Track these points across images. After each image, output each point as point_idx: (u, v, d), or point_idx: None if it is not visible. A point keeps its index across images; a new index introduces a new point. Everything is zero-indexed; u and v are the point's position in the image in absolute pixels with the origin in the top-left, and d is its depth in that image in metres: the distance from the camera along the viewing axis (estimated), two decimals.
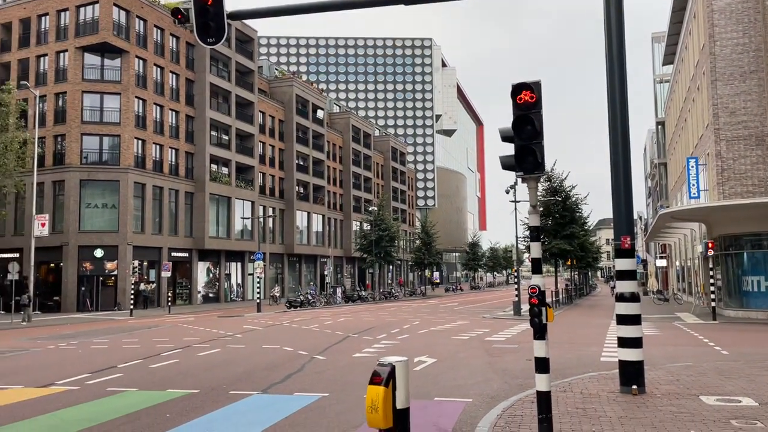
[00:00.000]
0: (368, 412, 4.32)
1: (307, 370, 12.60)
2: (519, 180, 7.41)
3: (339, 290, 51.17)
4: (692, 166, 30.34)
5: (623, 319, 9.39)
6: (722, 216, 26.01)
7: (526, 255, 43.06)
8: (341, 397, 9.71)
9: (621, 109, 9.42)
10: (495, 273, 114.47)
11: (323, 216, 65.97)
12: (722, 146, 26.41)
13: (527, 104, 6.54)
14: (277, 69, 68.51)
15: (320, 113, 66.59)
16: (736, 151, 26.24)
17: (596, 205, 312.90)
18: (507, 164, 6.88)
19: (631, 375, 9.19)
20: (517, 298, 30.87)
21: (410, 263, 77.63)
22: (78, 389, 10.74)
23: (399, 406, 4.41)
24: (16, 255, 39.59)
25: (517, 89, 6.61)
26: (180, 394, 10.12)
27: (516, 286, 33.55)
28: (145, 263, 42.97)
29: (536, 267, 6.86)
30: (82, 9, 41.11)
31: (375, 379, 4.38)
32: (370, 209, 61.04)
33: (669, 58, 45.99)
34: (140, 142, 42.51)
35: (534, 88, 6.54)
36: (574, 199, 41.34)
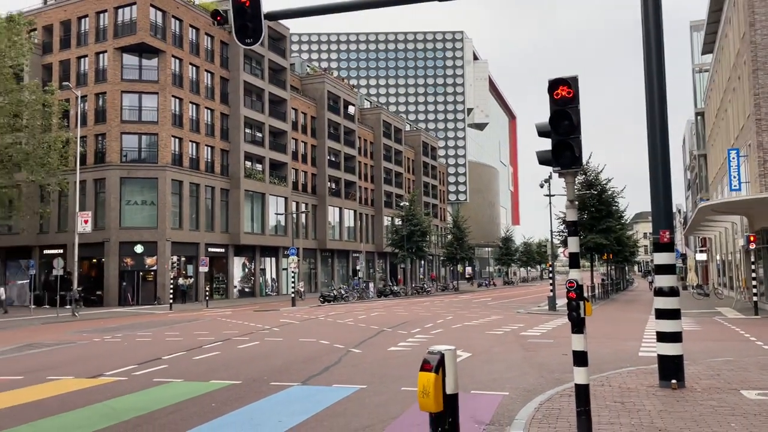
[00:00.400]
0: (420, 397, 4.52)
1: (344, 362, 12.83)
2: (554, 174, 7.44)
3: (371, 285, 51.43)
4: (733, 158, 29.64)
5: (662, 314, 9.33)
6: (764, 209, 25.36)
7: (560, 249, 42.66)
8: (379, 389, 9.88)
9: (659, 102, 9.34)
10: (529, 268, 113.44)
11: (355, 211, 66.34)
12: (764, 137, 25.73)
13: (564, 99, 6.58)
14: (308, 66, 69.07)
15: (351, 109, 66.90)
16: None
17: (633, 198, 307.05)
18: (544, 159, 6.92)
19: (671, 369, 9.14)
20: (552, 293, 30.64)
21: (442, 258, 77.52)
22: (126, 380, 11.16)
23: (449, 391, 4.59)
24: (60, 251, 40.84)
25: (554, 84, 6.64)
26: (223, 384, 10.44)
27: (551, 281, 33.27)
28: (183, 258, 43.92)
29: (574, 262, 6.90)
30: (120, 10, 42.09)
31: (425, 366, 4.58)
32: (401, 204, 61.16)
33: (708, 47, 44.86)
34: (177, 140, 43.38)
35: (571, 83, 6.57)
36: (610, 192, 40.70)
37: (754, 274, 25.48)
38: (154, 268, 41.47)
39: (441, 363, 4.55)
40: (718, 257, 46.92)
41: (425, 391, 4.46)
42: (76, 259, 33.81)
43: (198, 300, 43.17)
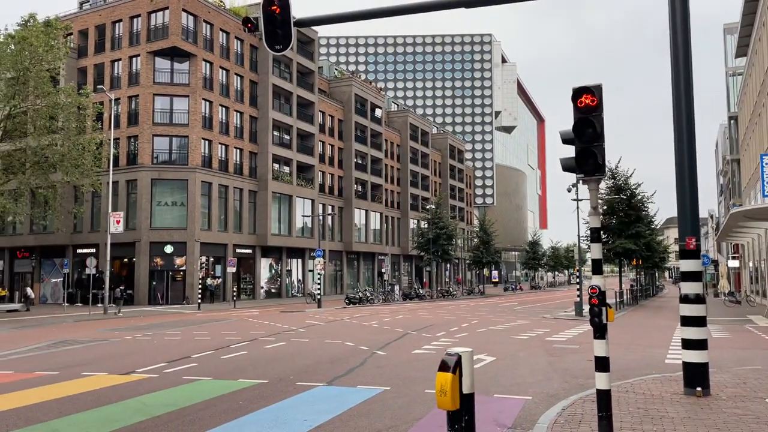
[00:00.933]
0: (438, 396, 4.70)
1: (368, 364, 12.99)
2: (577, 179, 7.50)
3: (397, 288, 51.58)
4: (766, 163, 29.06)
5: (688, 321, 9.30)
6: None
7: (588, 254, 42.26)
8: (402, 391, 10.02)
9: (687, 108, 9.31)
10: (556, 273, 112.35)
11: (381, 214, 66.57)
12: None
13: (588, 107, 6.64)
14: (336, 69, 69.55)
15: (378, 112, 67.19)
16: None
17: (664, 203, 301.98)
18: (568, 166, 6.99)
19: (696, 377, 9.10)
20: (579, 299, 30.42)
21: (468, 262, 77.29)
22: (157, 377, 11.49)
23: (465, 391, 4.77)
24: (93, 250, 41.90)
25: (578, 93, 6.72)
26: (251, 383, 10.69)
27: (578, 286, 33.01)
28: (212, 259, 44.62)
29: (597, 268, 6.95)
30: (153, 15, 43.00)
31: (443, 367, 4.78)
32: (427, 207, 61.17)
33: (742, 50, 44.07)
34: (207, 142, 44.13)
35: (595, 91, 6.64)
36: (639, 197, 40.21)
37: None
38: (183, 268, 42.22)
39: (458, 364, 4.73)
40: (750, 264, 45.99)
41: (443, 390, 4.64)
42: (108, 258, 34.62)
43: (225, 300, 43.81)
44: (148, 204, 41.87)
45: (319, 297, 37.63)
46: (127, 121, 43.21)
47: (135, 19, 43.65)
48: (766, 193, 28.89)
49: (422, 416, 8.32)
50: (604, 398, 6.47)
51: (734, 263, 55.13)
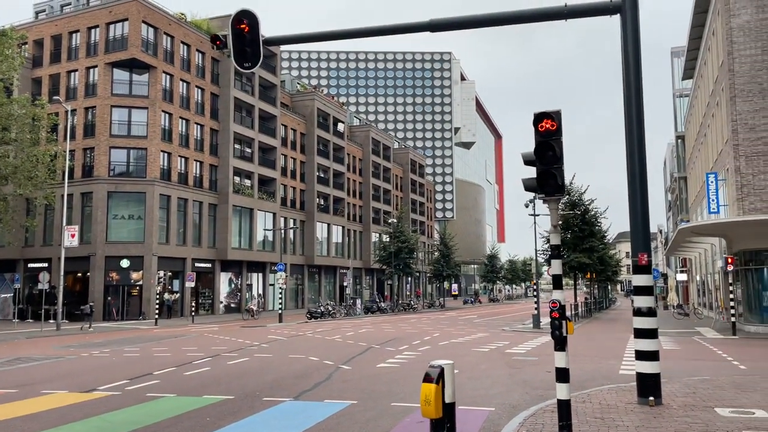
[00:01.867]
0: (422, 405, 4.94)
1: (334, 378, 13.11)
2: (538, 199, 7.90)
3: (358, 301, 51.65)
4: (711, 182, 30.46)
5: (640, 333, 9.75)
6: (742, 231, 26.11)
7: (545, 268, 43.24)
8: (369, 404, 10.19)
9: (638, 133, 9.77)
10: (514, 285, 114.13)
11: (343, 227, 66.67)
12: (741, 162, 26.56)
13: (548, 131, 7.04)
14: (299, 83, 69.67)
15: (341, 126, 67.50)
16: (755, 167, 26.36)
17: (616, 218, 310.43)
18: (530, 186, 7.36)
19: (649, 387, 9.54)
20: (536, 311, 31.11)
21: (429, 275, 77.93)
22: (120, 394, 11.37)
23: (447, 400, 5.03)
24: (45, 265, 40.72)
25: (539, 118, 7.11)
26: (216, 399, 10.69)
27: (535, 299, 33.75)
28: (169, 273, 43.86)
29: (557, 282, 7.32)
30: (112, 26, 42.42)
31: (427, 378, 5.01)
32: (389, 221, 61.63)
33: (689, 73, 46.09)
34: (166, 154, 43.57)
35: (555, 116, 7.04)
36: (593, 212, 41.48)
37: (732, 295, 26.14)
38: (140, 282, 41.41)
39: (441, 375, 5.01)
40: (697, 278, 47.77)
41: (427, 399, 4.89)
42: (62, 273, 33.75)
43: (183, 315, 43.10)
44: (104, 217, 41.01)
45: (280, 311, 37.42)
46: (83, 132, 42.36)
47: (93, 30, 42.97)
48: (711, 210, 30.25)
49: (390, 429, 8.51)
50: (564, 408, 6.80)
51: (682, 277, 57.19)
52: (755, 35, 26.84)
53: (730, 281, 26.40)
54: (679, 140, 57.49)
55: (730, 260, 25.73)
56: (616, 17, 9.91)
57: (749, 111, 26.60)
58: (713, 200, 29.96)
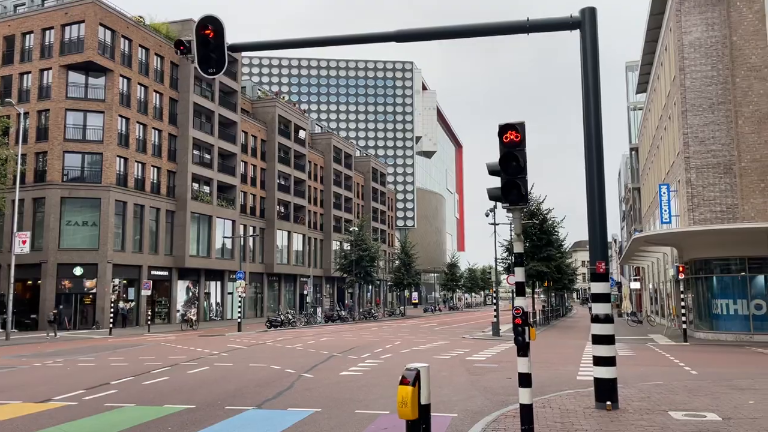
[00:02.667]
0: (399, 407, 5.01)
1: (297, 387, 13.04)
2: (502, 208, 8.08)
3: (319, 310, 51.40)
4: (664, 192, 31.51)
5: (598, 339, 10.02)
6: (692, 241, 27.09)
7: (503, 276, 43.86)
8: (333, 412, 10.18)
9: (596, 146, 10.06)
10: (473, 294, 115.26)
11: (304, 235, 66.32)
12: (692, 174, 27.58)
13: (513, 143, 7.22)
14: (260, 89, 69.19)
15: (302, 134, 67.27)
16: (705, 178, 27.42)
17: (572, 228, 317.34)
18: (494, 196, 7.53)
19: (606, 392, 9.81)
20: (495, 319, 31.51)
21: (389, 283, 78.07)
22: (76, 404, 11.06)
23: (423, 401, 5.13)
24: None
25: (504, 129, 7.29)
26: (178, 408, 10.51)
27: (495, 307, 34.18)
28: (125, 281, 42.86)
29: (520, 290, 7.49)
30: (67, 28, 41.40)
31: (404, 381, 5.10)
32: (350, 229, 61.57)
33: (642, 87, 47.66)
34: (122, 160, 42.65)
35: (519, 128, 7.23)
36: (550, 222, 42.35)
37: (683, 303, 27.04)
38: (94, 290, 40.32)
39: (417, 378, 5.10)
40: (650, 286, 49.21)
41: (404, 401, 4.97)
42: (12, 280, 32.59)
43: (139, 324, 42.13)
44: (56, 223, 39.85)
45: (239, 320, 36.93)
46: (35, 136, 41.12)
47: (48, 32, 41.86)
48: (664, 220, 31.27)
49: None
50: (527, 412, 6.95)
51: (636, 285, 58.78)
52: (705, 52, 27.98)
53: (682, 289, 27.32)
54: (633, 152, 59.30)
55: (681, 269, 26.63)
56: (576, 32, 10.24)
57: (699, 125, 27.67)
58: (665, 211, 30.98)
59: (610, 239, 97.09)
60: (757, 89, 26.60)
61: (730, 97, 27.31)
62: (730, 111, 27.26)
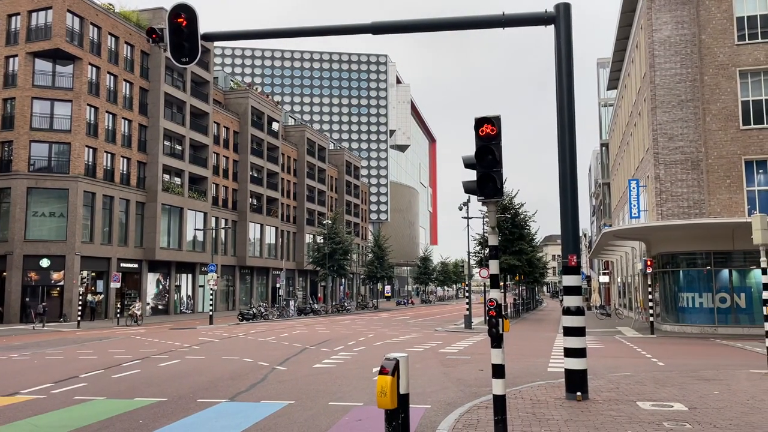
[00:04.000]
0: (378, 396, 5.02)
1: (270, 379, 12.99)
2: (473, 199, 8.13)
3: (292, 303, 51.20)
4: (633, 188, 32.06)
5: (569, 331, 10.19)
6: (660, 235, 27.64)
7: (476, 270, 44.21)
8: (307, 404, 10.17)
9: (570, 142, 10.21)
10: (445, 287, 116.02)
11: (276, 228, 65.89)
12: (661, 169, 28.11)
13: (488, 136, 7.27)
14: (232, 80, 68.38)
15: (275, 125, 66.73)
16: (673, 174, 27.97)
17: (543, 222, 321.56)
18: (469, 189, 7.57)
19: (576, 383, 9.98)
20: (468, 312, 31.77)
21: (362, 276, 78.11)
22: (45, 398, 10.86)
23: (402, 391, 5.16)
24: None
25: (480, 122, 7.33)
26: (148, 402, 10.39)
27: (467, 300, 34.46)
28: (93, 274, 42.10)
29: (494, 282, 7.56)
30: (34, 14, 40.33)
31: (383, 370, 5.12)
32: (323, 222, 61.38)
33: (613, 84, 48.33)
34: (91, 150, 41.81)
35: (494, 121, 7.28)
36: (522, 216, 42.76)
37: (650, 296, 27.61)
38: (61, 283, 39.54)
39: (396, 367, 5.12)
40: (619, 279, 50.12)
41: (383, 391, 4.99)
42: None
43: (108, 317, 41.46)
44: (22, 214, 38.94)
45: (211, 313, 36.59)
46: (0, 124, 40.05)
47: (14, 18, 40.73)
48: (633, 215, 31.84)
49: (328, 428, 8.54)
50: (500, 403, 7.03)
51: (605, 279, 59.84)
52: (675, 49, 28.49)
53: (649, 283, 27.89)
54: (604, 147, 60.19)
55: (649, 263, 27.17)
56: (551, 28, 10.33)
57: (668, 121, 28.19)
58: (635, 205, 31.54)
59: (580, 233, 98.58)
60: (725, 87, 27.20)
61: (699, 95, 27.87)
62: (698, 108, 27.83)
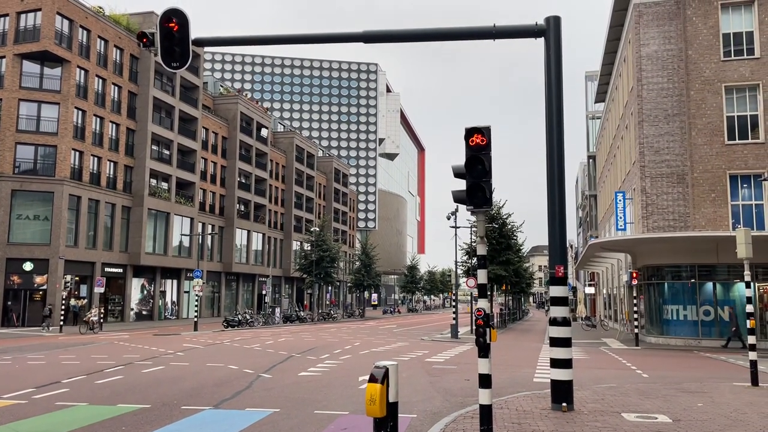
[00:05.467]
0: (367, 404, 5.00)
1: (255, 387, 12.89)
2: (467, 210, 8.16)
3: (278, 310, 50.95)
4: (620, 200, 32.33)
5: (556, 342, 10.21)
6: (646, 248, 27.87)
7: (463, 280, 44.27)
8: (292, 412, 10.11)
9: (558, 155, 10.26)
10: (432, 296, 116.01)
11: (263, 235, 65.64)
12: (647, 182, 28.38)
13: (478, 146, 7.31)
14: (222, 86, 68.22)
15: (264, 132, 66.61)
16: (659, 187, 28.25)
17: (530, 233, 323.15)
18: (459, 198, 7.60)
19: (562, 393, 10.00)
20: (454, 321, 31.77)
21: (349, 284, 77.91)
22: (26, 403, 10.70)
23: (391, 399, 5.15)
24: None
25: (470, 132, 7.37)
26: (132, 408, 10.27)
27: (453, 309, 34.47)
28: (77, 278, 41.65)
29: (482, 292, 7.58)
30: (23, 15, 40.04)
31: (373, 378, 5.05)
32: (311, 229, 61.22)
33: (601, 97, 48.80)
34: (78, 153, 41.47)
35: (485, 132, 7.33)
36: (510, 226, 42.94)
37: (635, 308, 27.79)
38: (44, 287, 39.07)
39: (386, 375, 5.11)
40: (604, 291, 50.41)
41: (372, 399, 4.97)
42: None
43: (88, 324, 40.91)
44: (6, 216, 38.49)
45: (195, 319, 36.28)
46: None
47: (2, 19, 40.38)
48: (619, 227, 32.08)
49: None
50: (486, 413, 7.04)
51: (590, 290, 60.14)
52: (662, 64, 28.84)
53: (634, 295, 28.08)
54: (591, 160, 60.67)
55: (634, 275, 27.36)
56: (541, 40, 10.43)
57: (655, 135, 28.49)
58: (621, 218, 31.78)
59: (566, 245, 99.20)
60: (710, 102, 27.56)
61: (685, 109, 28.21)
62: (684, 122, 28.16)
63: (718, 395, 11.81)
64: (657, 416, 9.60)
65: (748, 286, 13.27)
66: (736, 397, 11.64)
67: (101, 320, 35.70)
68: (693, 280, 26.71)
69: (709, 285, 26.52)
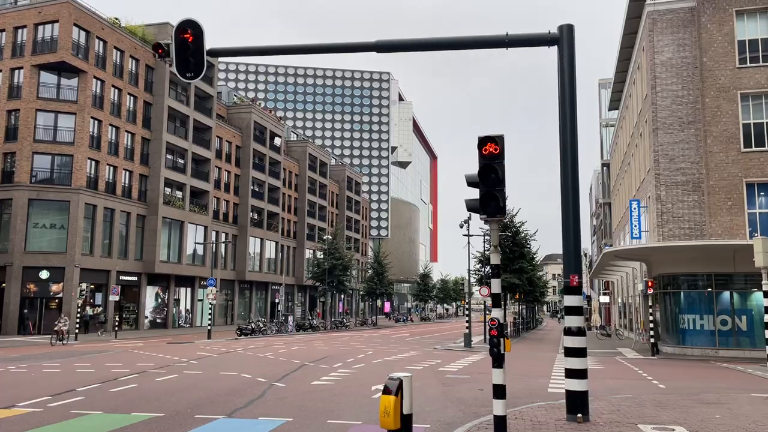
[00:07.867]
0: (381, 416, 4.98)
1: (268, 396, 12.89)
2: (480, 219, 8.12)
3: (290, 318, 51.03)
4: (634, 208, 32.06)
5: (570, 352, 10.11)
6: (661, 256, 27.58)
7: (476, 288, 44.09)
8: (305, 421, 10.09)
9: (572, 162, 10.19)
10: (445, 305, 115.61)
11: (276, 243, 65.85)
12: (662, 191, 28.14)
13: (492, 155, 7.29)
14: (235, 95, 68.77)
15: (278, 140, 66.98)
16: (674, 195, 28.00)
17: (544, 241, 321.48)
18: (472, 207, 7.58)
19: (577, 404, 9.89)
20: (468, 330, 31.61)
21: (362, 293, 77.86)
22: (41, 411, 10.78)
23: (405, 411, 5.11)
24: None
25: (483, 141, 7.35)
26: (146, 417, 10.31)
27: (467, 318, 34.30)
28: (92, 286, 41.99)
29: (496, 301, 7.54)
30: (40, 27, 40.67)
31: (387, 390, 5.03)
32: (324, 238, 61.34)
33: (614, 104, 48.55)
34: (94, 162, 41.93)
35: (498, 141, 7.31)
36: (523, 234, 42.75)
37: (651, 317, 27.48)
38: (60, 295, 39.42)
39: (400, 387, 5.09)
40: (619, 300, 49.93)
41: (386, 411, 4.95)
42: None
43: (106, 330, 41.26)
44: (23, 225, 38.95)
45: (209, 327, 36.43)
46: (4, 136, 40.21)
47: (20, 30, 41.06)
48: (634, 235, 31.80)
49: None
50: (500, 424, 6.98)
51: (605, 299, 59.59)
52: (676, 72, 28.66)
53: (650, 304, 27.78)
54: (605, 168, 60.29)
55: (650, 283, 27.08)
56: (553, 49, 10.40)
57: (670, 143, 28.27)
58: (635, 226, 31.50)
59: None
60: (726, 110, 27.30)
61: (700, 117, 27.97)
62: (700, 130, 27.92)
63: (737, 406, 11.62)
64: (674, 428, 9.46)
65: (766, 295, 13.08)
66: (755, 408, 11.45)
67: (70, 331, 33.53)
68: (710, 289, 26.36)
69: (726, 294, 26.16)
